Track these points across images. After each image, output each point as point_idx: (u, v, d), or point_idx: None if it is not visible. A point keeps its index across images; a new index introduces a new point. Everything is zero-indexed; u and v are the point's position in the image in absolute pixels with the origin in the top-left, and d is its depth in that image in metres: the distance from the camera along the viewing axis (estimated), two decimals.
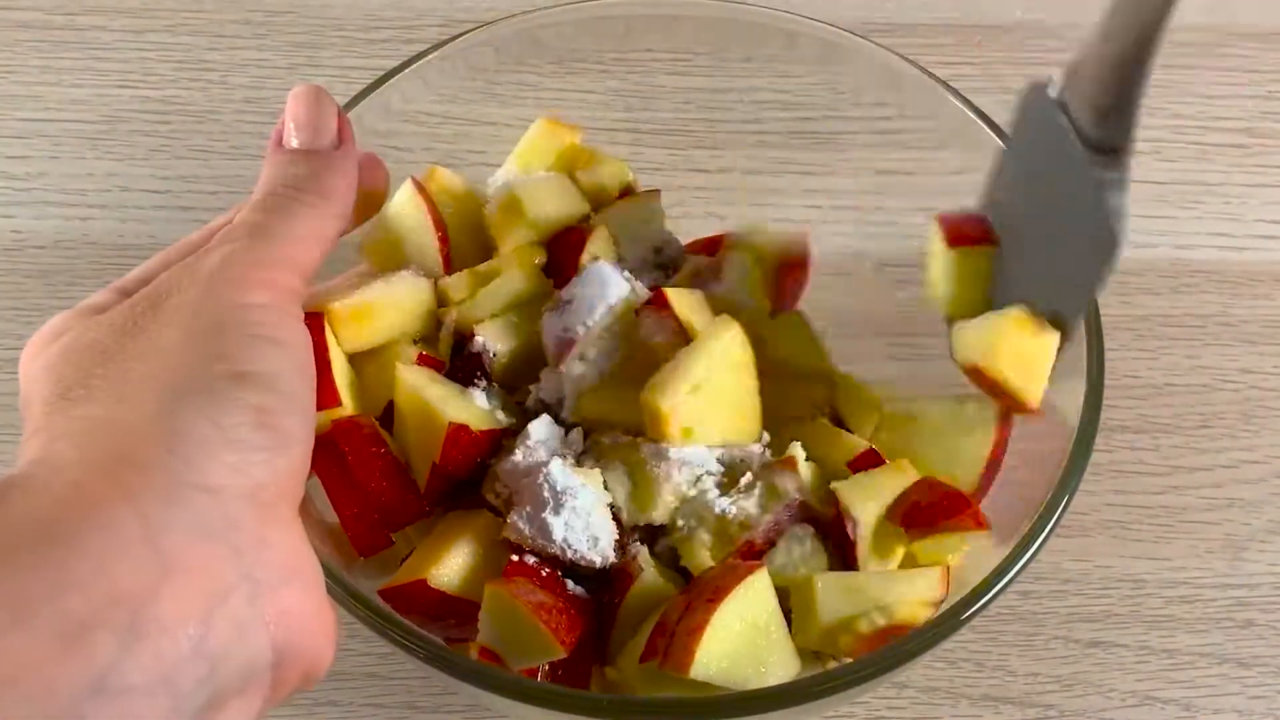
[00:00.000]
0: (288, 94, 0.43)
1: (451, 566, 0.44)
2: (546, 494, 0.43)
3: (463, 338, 0.49)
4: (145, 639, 0.29)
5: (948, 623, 0.40)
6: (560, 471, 0.44)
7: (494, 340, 0.48)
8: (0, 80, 0.75)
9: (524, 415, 0.48)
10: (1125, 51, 0.37)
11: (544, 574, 0.43)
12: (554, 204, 0.52)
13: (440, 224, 0.50)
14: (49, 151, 0.72)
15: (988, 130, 0.51)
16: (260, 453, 0.34)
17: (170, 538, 0.31)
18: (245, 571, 0.33)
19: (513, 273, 0.50)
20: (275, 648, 0.33)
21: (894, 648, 0.40)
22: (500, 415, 0.47)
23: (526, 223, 0.51)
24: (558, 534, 0.43)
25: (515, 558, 0.44)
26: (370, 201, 0.47)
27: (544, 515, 0.43)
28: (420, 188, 0.50)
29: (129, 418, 0.33)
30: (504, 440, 0.47)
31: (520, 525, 0.44)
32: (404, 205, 0.49)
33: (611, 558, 0.44)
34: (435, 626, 0.44)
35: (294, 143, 0.42)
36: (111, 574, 0.30)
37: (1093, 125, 0.39)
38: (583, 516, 0.43)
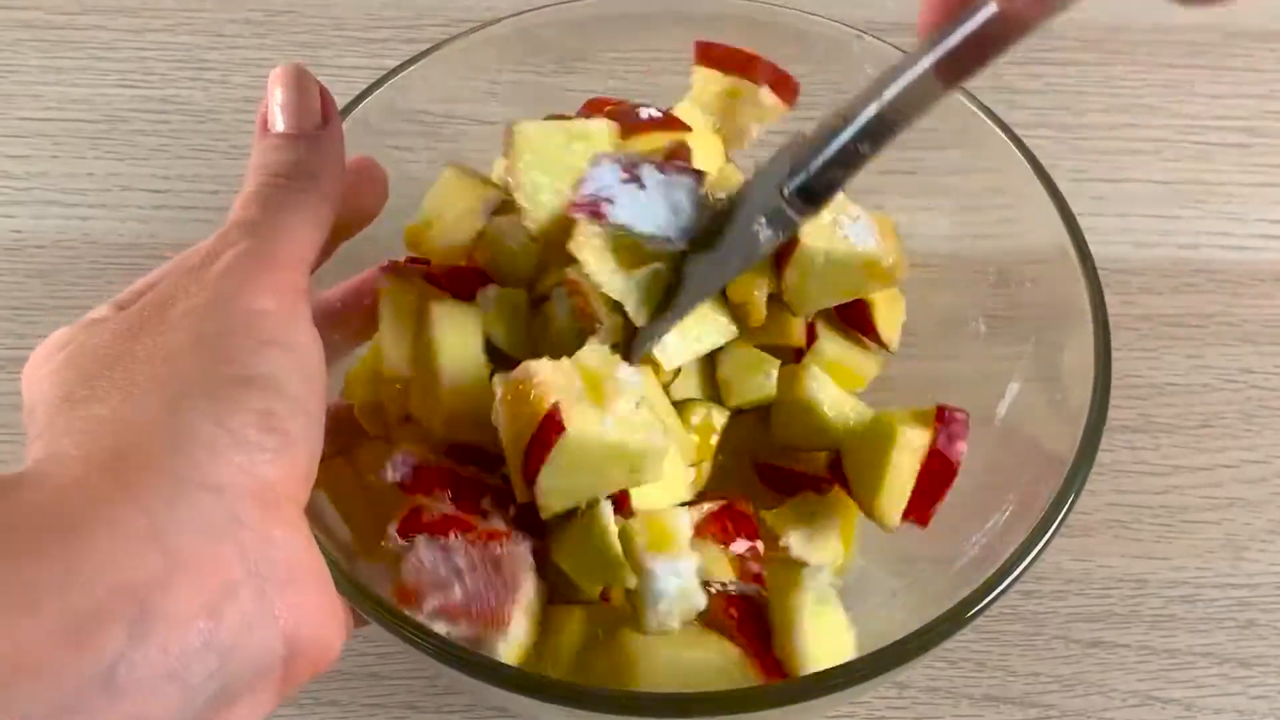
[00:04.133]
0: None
1: None
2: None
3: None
4: (154, 632, 0.29)
5: (948, 622, 0.40)
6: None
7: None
8: (1, 80, 0.75)
9: None
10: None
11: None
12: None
13: None
14: (49, 151, 0.72)
15: (991, 128, 0.51)
16: (265, 453, 0.34)
17: (176, 535, 0.31)
18: (251, 568, 0.33)
19: None
20: (286, 642, 0.34)
21: (894, 648, 0.40)
22: None
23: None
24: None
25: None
26: (364, 211, 0.47)
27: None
28: None
29: (133, 417, 0.33)
30: None
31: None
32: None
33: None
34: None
35: (279, 126, 0.41)
36: (119, 567, 0.30)
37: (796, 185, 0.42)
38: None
